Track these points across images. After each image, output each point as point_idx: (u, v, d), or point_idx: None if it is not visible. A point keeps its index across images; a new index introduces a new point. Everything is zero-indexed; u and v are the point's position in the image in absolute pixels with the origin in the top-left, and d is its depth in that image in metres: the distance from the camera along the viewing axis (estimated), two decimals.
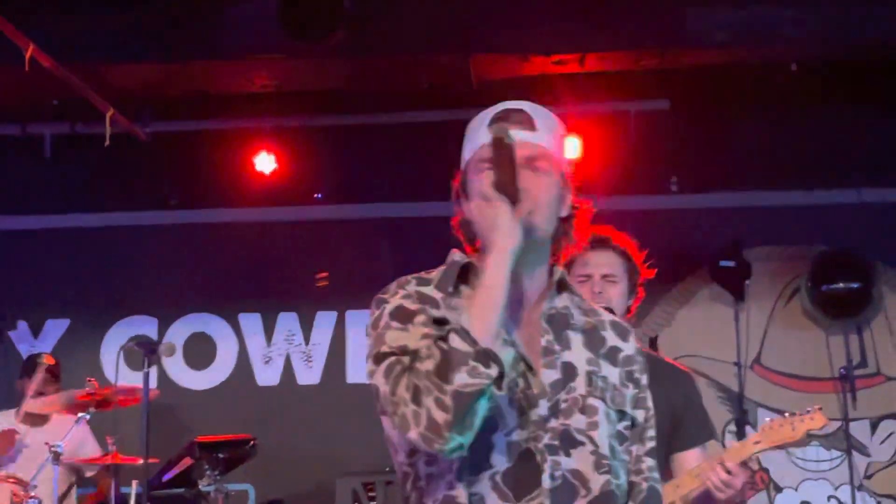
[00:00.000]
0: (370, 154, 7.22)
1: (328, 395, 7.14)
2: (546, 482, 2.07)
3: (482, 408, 2.00)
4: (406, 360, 2.04)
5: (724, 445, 6.26)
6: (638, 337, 2.35)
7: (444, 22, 6.00)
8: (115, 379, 6.54)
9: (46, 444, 5.48)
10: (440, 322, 2.08)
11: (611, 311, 2.67)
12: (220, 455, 5.95)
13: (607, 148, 6.86)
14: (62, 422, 6.18)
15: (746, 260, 6.92)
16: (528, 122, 2.18)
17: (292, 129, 7.16)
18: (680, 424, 3.49)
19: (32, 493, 5.37)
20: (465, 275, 2.20)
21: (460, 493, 2.08)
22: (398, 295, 2.16)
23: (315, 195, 7.31)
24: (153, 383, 5.83)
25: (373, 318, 2.16)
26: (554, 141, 2.21)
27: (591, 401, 2.15)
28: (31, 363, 6.19)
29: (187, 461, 5.93)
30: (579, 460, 2.11)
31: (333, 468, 6.52)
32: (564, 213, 2.23)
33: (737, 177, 7.04)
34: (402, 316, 2.12)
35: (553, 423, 2.11)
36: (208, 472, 5.94)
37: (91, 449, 6.15)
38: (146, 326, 7.17)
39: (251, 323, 7.26)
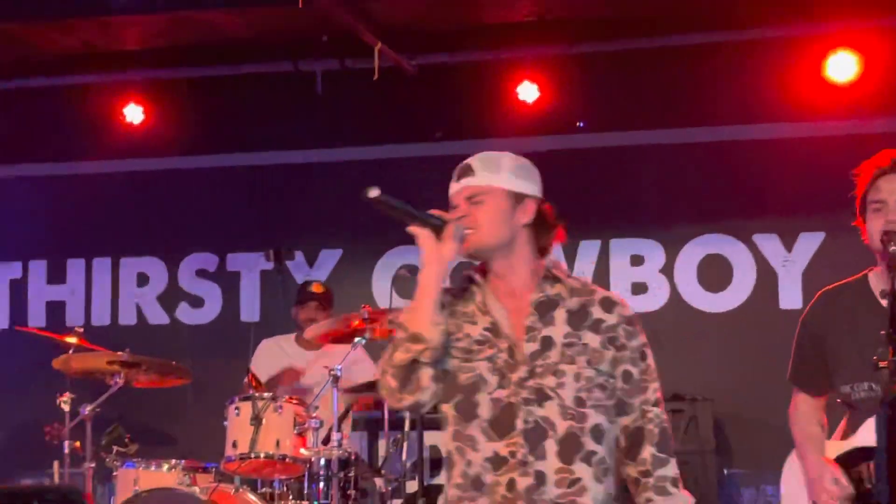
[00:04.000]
0: (636, 80, 7.11)
1: None
2: (519, 425, 2.90)
3: (424, 375, 2.91)
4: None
5: None
6: None
7: None
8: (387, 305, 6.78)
9: (326, 367, 5.70)
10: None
11: None
12: None
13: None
14: (338, 347, 6.43)
15: None
16: (467, 171, 3.04)
17: (554, 57, 7.13)
18: None
19: (314, 415, 5.61)
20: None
21: (460, 434, 2.96)
22: None
23: (578, 123, 7.26)
24: None
25: None
26: (496, 177, 3.02)
27: (562, 366, 2.93)
28: (304, 291, 6.44)
29: None
30: (549, 410, 2.91)
31: None
32: (526, 221, 3.01)
33: None
34: None
35: (530, 383, 2.92)
36: None
37: (367, 373, 6.37)
38: (415, 256, 7.31)
39: None
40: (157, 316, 7.49)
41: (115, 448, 5.96)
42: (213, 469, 5.76)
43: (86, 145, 7.47)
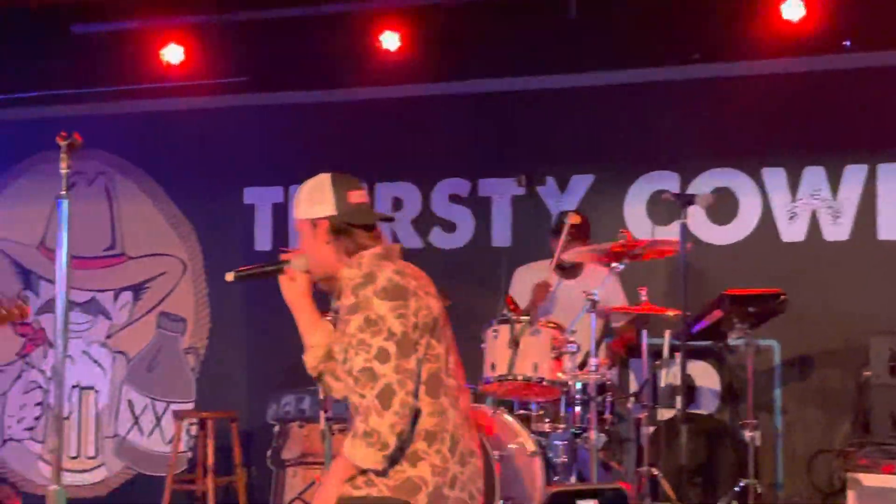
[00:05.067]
0: None
1: (857, 252, 6.86)
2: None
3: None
4: None
5: None
6: None
7: None
8: (638, 232, 6.72)
9: (584, 292, 5.70)
10: None
11: None
12: (750, 309, 5.92)
13: None
14: (594, 272, 6.42)
15: None
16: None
17: None
18: None
19: (571, 339, 5.62)
20: None
21: None
22: None
23: (843, 42, 6.93)
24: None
25: None
26: (297, 210, 3.60)
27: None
28: (560, 221, 6.43)
29: (717, 314, 5.96)
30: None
31: (865, 326, 6.30)
32: (326, 240, 3.54)
33: None
34: None
35: None
36: (738, 326, 5.94)
37: (620, 299, 6.34)
38: (668, 182, 7.20)
39: (775, 178, 7.10)
40: (410, 240, 7.63)
41: None
42: (470, 390, 5.87)
43: (344, 73, 7.62)
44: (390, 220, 4.02)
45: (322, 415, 6.20)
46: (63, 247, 3.69)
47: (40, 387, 8.18)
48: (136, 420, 8.02)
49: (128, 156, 8.13)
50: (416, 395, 3.35)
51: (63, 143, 3.70)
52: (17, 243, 8.34)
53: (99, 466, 8.00)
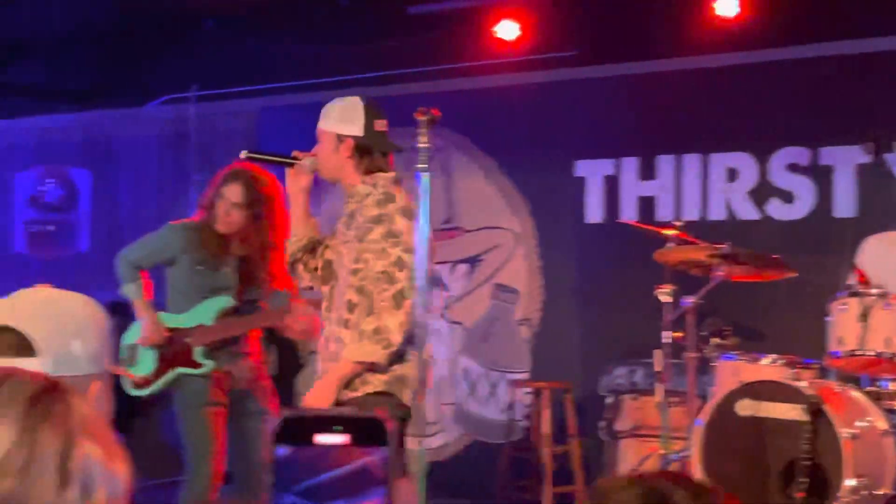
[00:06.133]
0: None
1: None
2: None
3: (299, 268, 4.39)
4: None
5: None
6: None
7: None
8: None
9: None
10: None
11: None
12: None
13: None
14: None
15: None
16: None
17: None
18: None
19: None
20: None
21: None
22: None
23: None
24: None
25: None
26: (324, 122, 4.18)
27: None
28: None
29: None
30: None
31: None
32: (347, 155, 4.12)
33: None
34: None
35: None
36: None
37: None
38: None
39: None
40: (746, 211, 7.46)
41: (714, 340, 6.07)
42: (815, 365, 5.70)
43: (676, 42, 7.52)
44: (400, 150, 4.35)
45: (658, 387, 6.19)
46: (424, 220, 3.83)
47: None
48: (473, 388, 8.26)
49: (462, 131, 8.34)
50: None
51: (422, 119, 3.84)
52: None
53: (439, 432, 8.30)
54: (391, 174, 4.13)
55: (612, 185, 7.88)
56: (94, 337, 1.78)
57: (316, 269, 4.30)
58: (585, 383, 7.66)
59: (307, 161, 4.18)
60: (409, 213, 3.92)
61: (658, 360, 6.12)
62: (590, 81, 7.99)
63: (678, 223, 6.29)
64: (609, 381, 7.56)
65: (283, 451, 1.99)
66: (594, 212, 7.96)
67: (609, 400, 7.32)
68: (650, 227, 6.49)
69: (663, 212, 7.63)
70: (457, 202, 8.38)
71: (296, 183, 4.22)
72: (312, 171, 4.20)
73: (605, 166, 7.93)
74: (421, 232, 3.81)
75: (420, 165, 3.83)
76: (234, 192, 5.17)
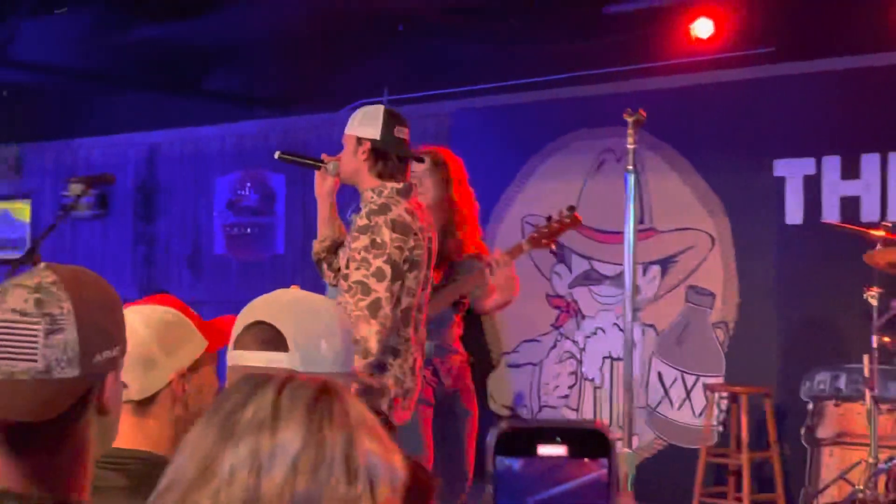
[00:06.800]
0: None
1: None
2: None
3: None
4: None
5: None
6: None
7: None
8: None
9: None
10: None
11: None
12: None
13: None
14: None
15: None
16: None
17: None
18: None
19: None
20: None
21: None
22: None
23: None
24: None
25: None
26: (348, 127, 4.29)
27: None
28: None
29: None
30: None
31: None
32: (364, 158, 4.22)
33: None
34: None
35: None
36: None
37: None
38: None
39: None
40: None
41: None
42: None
43: (878, 35, 7.25)
44: (420, 160, 4.62)
45: (867, 393, 5.97)
46: (630, 220, 3.79)
47: (573, 357, 8.52)
48: (666, 392, 8.14)
49: (655, 131, 8.21)
50: (395, 315, 3.94)
51: (630, 119, 3.80)
52: None
53: (632, 436, 8.20)
54: (400, 184, 4.20)
55: (812, 184, 7.64)
56: (340, 338, 1.82)
57: (339, 269, 4.42)
58: (784, 388, 7.45)
59: (331, 164, 4.32)
60: (399, 226, 4.01)
61: (866, 365, 5.92)
62: (788, 78, 7.77)
63: (888, 224, 6.07)
64: (811, 387, 7.34)
65: (508, 462, 1.96)
66: (794, 213, 7.73)
67: (810, 406, 7.12)
68: (857, 228, 6.27)
69: (868, 212, 7.36)
70: (650, 203, 8.27)
71: (322, 185, 4.38)
72: (335, 174, 4.32)
73: (805, 165, 7.70)
74: (627, 232, 3.77)
75: (627, 167, 3.79)
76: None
